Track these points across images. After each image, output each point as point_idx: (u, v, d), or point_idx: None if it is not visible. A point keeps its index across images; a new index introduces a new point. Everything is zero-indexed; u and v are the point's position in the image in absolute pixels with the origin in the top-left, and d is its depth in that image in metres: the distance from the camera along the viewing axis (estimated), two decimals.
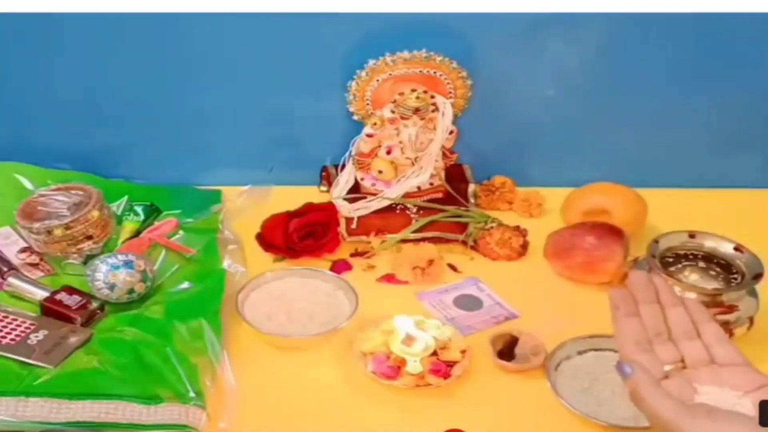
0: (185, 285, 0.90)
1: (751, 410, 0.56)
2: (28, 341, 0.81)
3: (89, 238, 0.94)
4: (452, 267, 0.99)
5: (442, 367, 0.81)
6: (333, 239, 1.00)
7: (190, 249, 0.96)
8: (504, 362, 0.82)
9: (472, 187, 1.06)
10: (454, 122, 1.01)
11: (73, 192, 0.97)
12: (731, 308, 0.82)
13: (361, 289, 0.90)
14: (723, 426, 0.53)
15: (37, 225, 0.92)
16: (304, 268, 0.94)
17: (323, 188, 1.08)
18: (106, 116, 1.07)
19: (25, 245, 0.96)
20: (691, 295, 0.81)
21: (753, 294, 0.84)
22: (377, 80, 1.00)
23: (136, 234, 0.98)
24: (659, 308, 0.62)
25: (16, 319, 0.84)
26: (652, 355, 0.59)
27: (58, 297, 0.87)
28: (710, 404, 0.55)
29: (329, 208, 1.02)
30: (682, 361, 0.59)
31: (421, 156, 1.01)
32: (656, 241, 0.86)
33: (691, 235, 0.87)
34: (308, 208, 1.02)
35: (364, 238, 1.01)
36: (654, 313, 0.61)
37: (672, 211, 1.03)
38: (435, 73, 1.00)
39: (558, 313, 0.90)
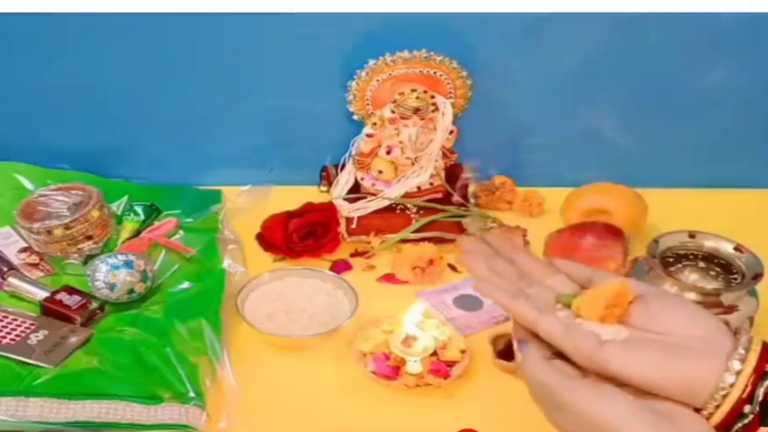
0: (185, 285, 0.90)
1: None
2: (28, 341, 0.81)
3: (89, 238, 0.94)
4: (452, 267, 0.99)
5: (442, 367, 0.81)
6: (333, 239, 1.00)
7: (190, 249, 0.96)
8: (504, 362, 0.82)
9: (472, 187, 1.06)
10: (454, 122, 1.01)
11: (73, 192, 0.97)
12: (731, 308, 0.81)
13: (361, 289, 0.90)
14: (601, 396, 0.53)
15: (37, 225, 0.92)
16: (304, 268, 0.94)
17: (323, 188, 1.08)
18: (105, 116, 1.07)
19: (25, 245, 0.96)
20: (691, 295, 0.81)
21: (753, 294, 0.84)
22: (377, 80, 1.00)
23: (136, 234, 0.98)
24: (504, 261, 0.62)
25: (16, 319, 0.84)
26: (529, 299, 0.58)
27: (58, 297, 0.87)
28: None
29: (329, 208, 1.02)
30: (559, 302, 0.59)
31: (421, 156, 1.01)
32: (656, 241, 0.86)
33: (691, 235, 0.87)
34: (308, 208, 1.02)
35: (364, 238, 1.01)
36: (504, 264, 0.61)
37: (672, 211, 1.03)
38: (435, 73, 1.00)
39: None
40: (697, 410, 0.52)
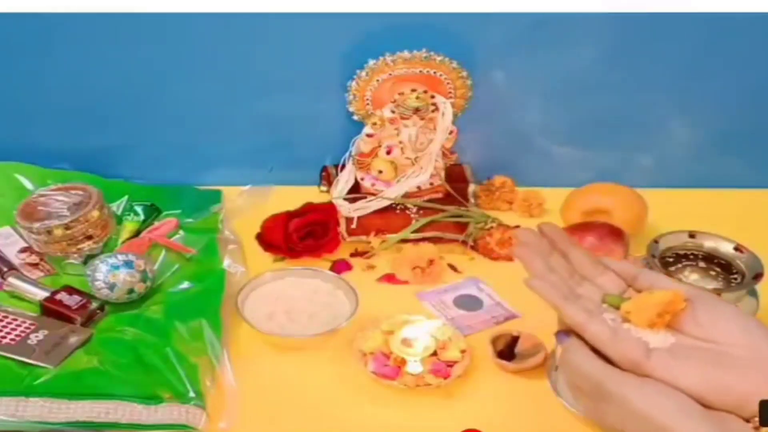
0: (185, 285, 0.90)
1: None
2: (28, 341, 0.81)
3: (89, 238, 0.94)
4: (452, 267, 0.99)
5: (442, 367, 0.81)
6: (333, 239, 1.00)
7: (190, 249, 0.96)
8: (504, 362, 0.82)
9: (472, 187, 1.06)
10: (454, 122, 1.01)
11: (73, 192, 0.97)
12: None
13: (361, 289, 0.89)
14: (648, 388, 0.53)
15: (37, 225, 0.92)
16: (304, 268, 0.94)
17: (323, 188, 1.08)
18: (106, 116, 1.07)
19: (25, 245, 0.96)
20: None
21: (753, 294, 0.84)
22: (377, 80, 1.00)
23: (136, 234, 0.98)
24: (558, 255, 0.62)
25: (16, 319, 0.84)
26: (579, 300, 0.59)
27: (58, 297, 0.87)
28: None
29: (329, 208, 1.02)
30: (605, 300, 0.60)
31: (421, 156, 1.01)
32: (656, 241, 0.86)
33: (691, 235, 0.87)
34: (308, 208, 1.02)
35: (364, 238, 1.01)
36: (558, 260, 0.62)
37: (672, 211, 1.03)
38: (435, 73, 1.00)
39: None
40: (745, 420, 0.52)
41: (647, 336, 0.56)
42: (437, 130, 1.00)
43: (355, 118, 1.04)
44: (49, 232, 0.92)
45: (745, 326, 0.54)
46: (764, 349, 0.53)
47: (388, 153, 1.00)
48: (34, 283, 0.90)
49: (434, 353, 0.81)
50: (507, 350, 0.83)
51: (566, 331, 0.58)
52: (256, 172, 1.09)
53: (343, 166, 1.04)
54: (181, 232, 0.99)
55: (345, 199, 1.02)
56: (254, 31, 1.01)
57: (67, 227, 0.92)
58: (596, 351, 0.56)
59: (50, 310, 0.85)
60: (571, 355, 0.56)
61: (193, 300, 0.87)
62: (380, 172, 1.01)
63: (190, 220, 1.01)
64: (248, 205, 1.06)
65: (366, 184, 1.03)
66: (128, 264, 0.89)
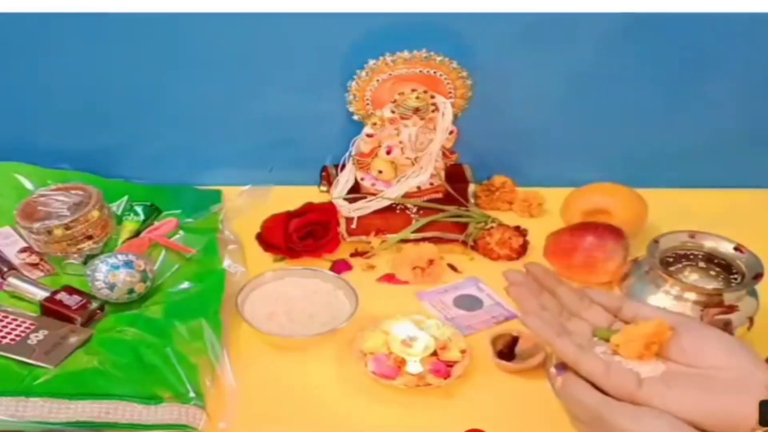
0: (185, 285, 0.90)
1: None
2: (28, 341, 0.81)
3: (89, 238, 0.94)
4: (452, 267, 0.99)
5: (442, 367, 0.81)
6: (333, 239, 1.00)
7: (190, 249, 0.96)
8: (504, 362, 0.82)
9: (472, 187, 1.06)
10: (454, 122, 1.01)
11: (73, 192, 0.97)
12: (731, 308, 0.82)
13: (361, 289, 0.90)
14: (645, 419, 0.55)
15: (37, 225, 0.92)
16: (304, 268, 0.94)
17: (323, 188, 1.08)
18: (105, 116, 1.07)
19: (25, 245, 0.96)
20: (691, 295, 0.81)
21: (753, 294, 0.84)
22: (377, 80, 1.00)
23: (136, 234, 0.98)
24: (547, 294, 0.66)
25: (16, 319, 0.84)
26: (570, 336, 0.61)
27: (58, 297, 0.87)
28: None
29: (329, 208, 1.02)
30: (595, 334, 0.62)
31: (421, 156, 1.01)
32: (656, 241, 0.86)
33: (691, 235, 0.87)
34: (308, 208, 1.02)
35: (364, 238, 1.01)
36: (548, 298, 0.65)
37: (672, 211, 1.03)
38: (435, 73, 1.00)
39: None
40: None
41: (638, 367, 0.59)
42: (437, 130, 1.00)
43: (355, 118, 1.04)
44: (49, 232, 0.92)
45: (729, 349, 0.57)
46: (749, 369, 0.55)
47: (388, 153, 1.00)
48: (34, 283, 0.90)
49: (434, 353, 0.81)
50: (507, 350, 0.83)
51: (562, 365, 0.61)
52: (256, 172, 1.09)
53: (343, 166, 1.04)
54: (181, 232, 0.99)
55: (345, 199, 1.02)
56: (254, 31, 1.01)
57: (67, 227, 0.92)
58: (592, 383, 0.59)
59: (50, 310, 0.86)
60: (569, 389, 0.59)
61: (193, 300, 0.87)
62: (380, 172, 1.01)
63: (190, 220, 1.02)
64: (248, 205, 1.06)
65: (366, 184, 1.03)
66: (128, 264, 0.89)
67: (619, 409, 0.56)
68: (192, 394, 0.76)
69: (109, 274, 0.88)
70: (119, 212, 1.02)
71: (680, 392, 0.55)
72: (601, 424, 0.56)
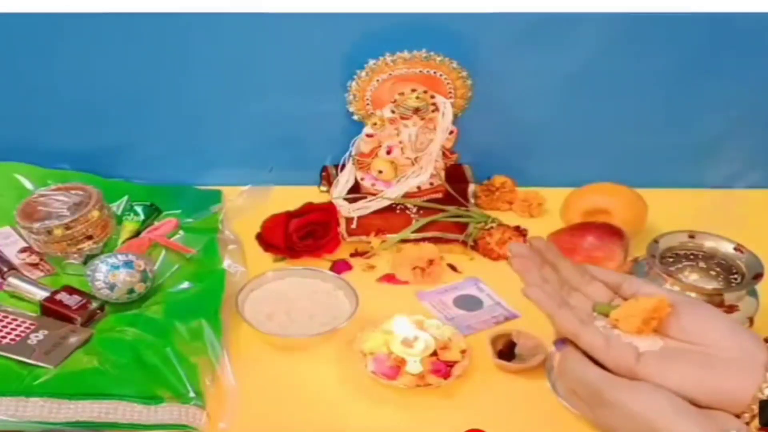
0: (185, 285, 0.90)
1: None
2: (28, 341, 0.81)
3: (89, 238, 0.94)
4: (452, 267, 0.99)
5: (442, 367, 0.81)
6: (333, 239, 1.00)
7: (190, 249, 0.96)
8: (504, 362, 0.82)
9: (472, 187, 1.06)
10: (454, 122, 1.01)
11: (73, 192, 0.97)
12: (731, 308, 0.82)
13: (361, 289, 0.90)
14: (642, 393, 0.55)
15: (37, 225, 0.92)
16: (304, 268, 0.94)
17: (323, 188, 1.08)
18: (106, 116, 1.07)
19: (25, 245, 0.96)
20: (691, 296, 0.81)
21: (753, 294, 0.84)
22: (377, 80, 1.00)
23: (136, 234, 0.98)
24: (549, 268, 0.65)
25: (16, 319, 0.84)
26: (573, 309, 0.61)
27: (58, 297, 0.87)
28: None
29: (329, 208, 1.02)
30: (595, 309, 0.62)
31: (421, 156, 1.01)
32: (656, 241, 0.86)
33: (691, 235, 0.87)
34: (308, 208, 1.02)
35: (364, 238, 1.01)
36: (550, 272, 0.64)
37: (672, 211, 1.03)
38: (435, 73, 1.00)
39: None
40: (736, 416, 0.54)
41: (637, 341, 0.58)
42: (437, 130, 1.00)
43: (355, 118, 1.04)
44: (49, 232, 0.92)
45: (730, 328, 0.57)
46: (750, 350, 0.55)
47: (388, 153, 1.00)
48: (34, 283, 0.90)
49: (434, 353, 0.81)
50: (507, 350, 0.83)
51: (563, 339, 0.61)
52: (256, 172, 1.09)
53: (343, 166, 1.04)
54: (181, 232, 0.99)
55: (345, 199, 1.02)
56: (254, 31, 1.01)
57: (67, 227, 0.92)
58: (591, 357, 0.59)
59: (50, 310, 0.86)
60: (569, 363, 0.59)
61: (193, 300, 0.87)
62: (380, 172, 1.01)
63: (190, 220, 1.02)
64: (248, 205, 1.06)
65: (366, 184, 1.03)
66: (128, 264, 0.89)
67: (618, 384, 0.56)
68: (192, 394, 0.76)
69: (109, 274, 0.88)
70: (119, 212, 1.02)
71: (680, 368, 0.55)
72: (599, 399, 0.56)
